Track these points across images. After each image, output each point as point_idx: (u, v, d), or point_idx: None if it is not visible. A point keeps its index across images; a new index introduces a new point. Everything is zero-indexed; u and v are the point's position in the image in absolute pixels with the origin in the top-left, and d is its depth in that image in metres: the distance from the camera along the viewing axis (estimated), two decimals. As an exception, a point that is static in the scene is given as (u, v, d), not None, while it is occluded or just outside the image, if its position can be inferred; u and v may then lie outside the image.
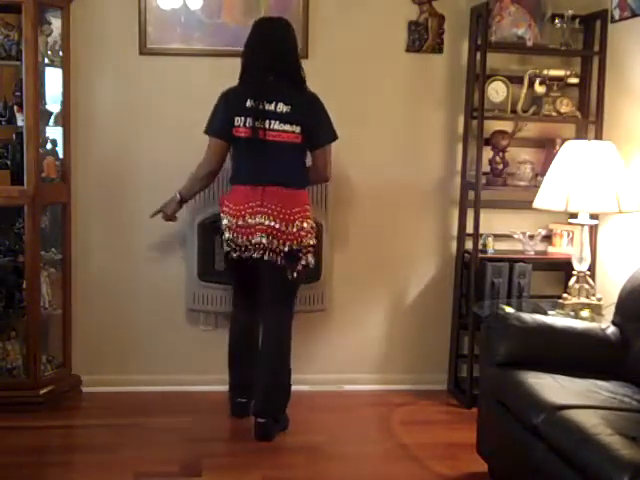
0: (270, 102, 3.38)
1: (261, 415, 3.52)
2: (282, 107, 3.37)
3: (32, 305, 3.80)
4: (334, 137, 3.49)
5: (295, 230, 3.40)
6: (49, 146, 3.91)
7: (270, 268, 3.44)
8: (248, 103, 3.39)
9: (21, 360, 3.86)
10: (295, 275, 3.47)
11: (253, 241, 3.40)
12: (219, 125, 3.46)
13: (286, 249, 3.40)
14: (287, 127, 3.39)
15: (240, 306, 3.74)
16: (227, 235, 3.46)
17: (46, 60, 3.83)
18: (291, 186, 3.43)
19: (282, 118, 3.38)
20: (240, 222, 3.41)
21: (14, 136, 3.77)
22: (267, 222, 3.37)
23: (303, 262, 3.46)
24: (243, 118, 3.39)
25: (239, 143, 3.45)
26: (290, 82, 3.43)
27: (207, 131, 3.48)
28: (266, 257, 3.40)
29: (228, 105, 3.44)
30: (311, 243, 3.47)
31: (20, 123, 3.73)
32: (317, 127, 3.44)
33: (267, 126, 3.38)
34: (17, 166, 3.74)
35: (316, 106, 3.45)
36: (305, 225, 3.44)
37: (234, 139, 3.45)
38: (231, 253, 3.48)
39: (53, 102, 3.93)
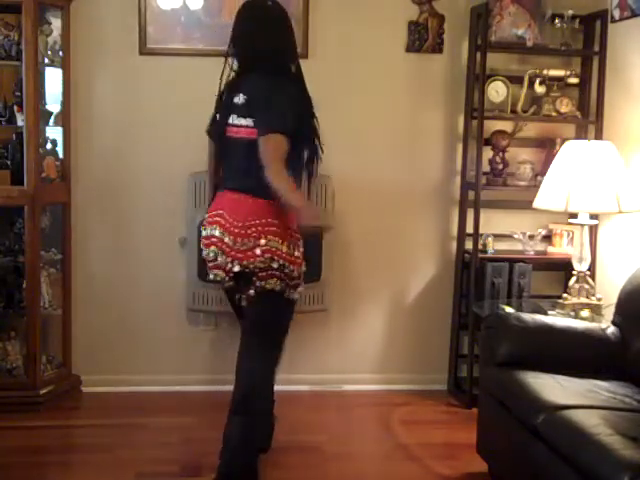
0: (236, 94, 2.96)
1: None
2: (241, 98, 2.93)
3: (32, 305, 3.80)
4: (276, 128, 2.79)
5: (245, 248, 2.88)
6: (49, 146, 3.91)
7: (234, 293, 3.14)
8: (224, 96, 3.05)
9: (21, 360, 3.87)
10: (247, 303, 3.04)
11: (205, 257, 3.05)
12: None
13: (235, 269, 2.93)
14: (242, 121, 2.93)
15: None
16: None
17: (46, 60, 3.83)
18: (249, 193, 2.91)
19: (239, 111, 2.94)
20: (204, 233, 3.04)
21: (14, 136, 3.78)
22: (217, 234, 2.95)
23: (252, 290, 2.95)
24: (218, 114, 3.06)
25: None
26: (262, 70, 2.93)
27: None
28: (218, 278, 3.03)
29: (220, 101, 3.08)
30: (274, 266, 2.89)
31: (20, 123, 3.73)
32: (263, 111, 2.85)
33: (230, 121, 2.98)
34: (17, 166, 3.74)
35: (274, 90, 2.87)
36: (263, 242, 2.88)
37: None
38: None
39: (53, 102, 3.93)
